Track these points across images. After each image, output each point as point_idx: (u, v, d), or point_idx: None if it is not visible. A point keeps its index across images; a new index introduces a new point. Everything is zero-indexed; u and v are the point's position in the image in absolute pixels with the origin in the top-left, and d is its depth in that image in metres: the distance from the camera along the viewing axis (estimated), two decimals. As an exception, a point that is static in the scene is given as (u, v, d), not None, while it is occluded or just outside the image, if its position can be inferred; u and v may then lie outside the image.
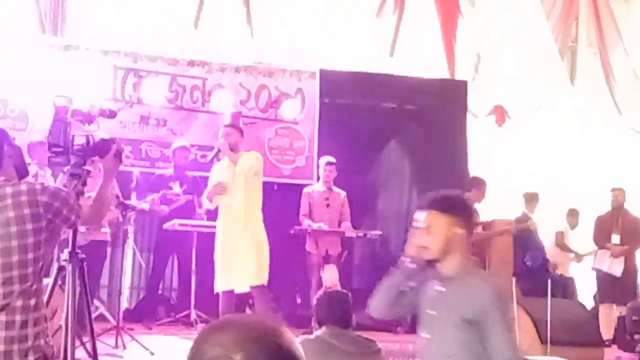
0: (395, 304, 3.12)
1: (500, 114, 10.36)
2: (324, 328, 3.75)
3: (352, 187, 8.26)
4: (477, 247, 8.48)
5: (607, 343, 7.98)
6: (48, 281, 3.60)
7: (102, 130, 3.84)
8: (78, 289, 3.73)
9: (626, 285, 8.71)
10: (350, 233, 7.96)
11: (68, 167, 3.62)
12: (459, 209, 3.05)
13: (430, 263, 3.03)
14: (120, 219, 6.74)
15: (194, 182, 7.79)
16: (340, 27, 9.64)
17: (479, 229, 8.44)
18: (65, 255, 3.76)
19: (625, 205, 8.96)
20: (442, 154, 9.09)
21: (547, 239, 9.44)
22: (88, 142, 3.62)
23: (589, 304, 9.00)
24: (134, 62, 8.30)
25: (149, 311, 7.86)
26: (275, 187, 8.49)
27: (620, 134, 10.74)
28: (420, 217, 3.04)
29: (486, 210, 8.71)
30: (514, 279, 6.90)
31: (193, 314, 7.37)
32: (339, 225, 7.96)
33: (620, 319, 8.20)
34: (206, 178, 6.91)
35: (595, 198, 9.65)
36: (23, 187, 2.97)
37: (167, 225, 7.45)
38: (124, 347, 6.13)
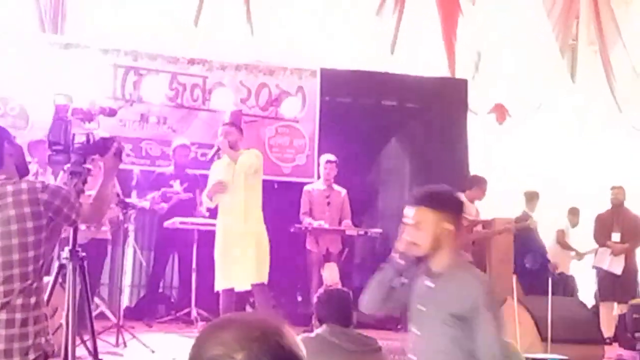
0: (386, 300, 3.11)
1: (500, 112, 10.36)
2: (324, 326, 3.74)
3: (352, 185, 8.25)
4: (478, 246, 8.49)
5: (607, 341, 7.98)
6: (48, 279, 3.61)
7: (102, 128, 3.85)
8: (78, 287, 3.73)
9: (627, 283, 8.71)
10: (351, 231, 7.97)
11: (68, 165, 3.62)
12: (448, 204, 3.04)
13: (421, 258, 3.03)
14: (121, 217, 6.73)
15: (195, 180, 7.79)
16: (340, 26, 9.64)
17: (479, 228, 8.45)
18: (65, 253, 3.76)
19: (625, 203, 8.95)
20: (443, 152, 9.09)
21: (547, 238, 9.44)
22: (88, 140, 3.62)
23: (590, 302, 9.00)
24: (134, 60, 8.29)
25: (149, 309, 7.87)
26: (276, 186, 8.49)
27: (621, 132, 10.74)
28: (409, 213, 3.03)
29: (486, 208, 8.71)
30: (514, 277, 6.88)
31: (193, 312, 7.37)
32: (340, 223, 7.95)
33: (621, 317, 8.20)
34: (207, 176, 6.91)
35: (595, 196, 9.64)
36: (24, 185, 2.97)
37: (167, 223, 7.45)
38: (125, 345, 6.12)
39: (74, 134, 3.62)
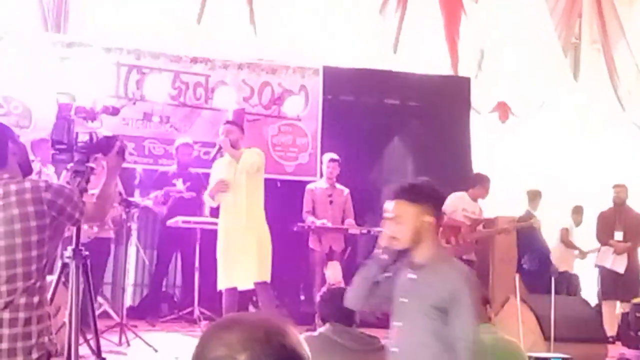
0: (370, 295, 3.11)
1: (503, 110, 10.35)
2: (327, 325, 3.74)
3: (355, 183, 8.25)
4: (481, 245, 8.49)
5: (610, 340, 7.97)
6: (52, 278, 3.60)
7: (105, 127, 3.84)
8: (82, 286, 3.73)
9: (629, 281, 8.69)
10: (354, 230, 7.97)
11: (71, 164, 3.62)
12: (427, 197, 3.03)
13: (404, 252, 3.03)
14: (124, 216, 6.74)
15: (197, 179, 7.79)
16: (343, 24, 9.64)
17: (481, 227, 8.44)
18: (68, 252, 3.76)
19: (628, 201, 8.93)
20: (445, 151, 9.08)
21: (551, 236, 9.42)
22: (91, 139, 3.62)
23: (593, 300, 8.99)
24: (136, 59, 8.30)
25: (152, 308, 7.87)
26: (279, 184, 8.50)
27: (623, 131, 10.73)
28: (389, 207, 3.03)
29: (489, 207, 8.70)
30: (517, 276, 6.88)
31: (196, 311, 7.37)
32: (342, 222, 7.95)
33: (624, 316, 8.19)
34: (209, 175, 6.91)
35: (598, 194, 9.63)
36: (27, 184, 2.97)
37: (170, 222, 7.45)
38: (128, 344, 6.13)
39: (77, 133, 3.62)
